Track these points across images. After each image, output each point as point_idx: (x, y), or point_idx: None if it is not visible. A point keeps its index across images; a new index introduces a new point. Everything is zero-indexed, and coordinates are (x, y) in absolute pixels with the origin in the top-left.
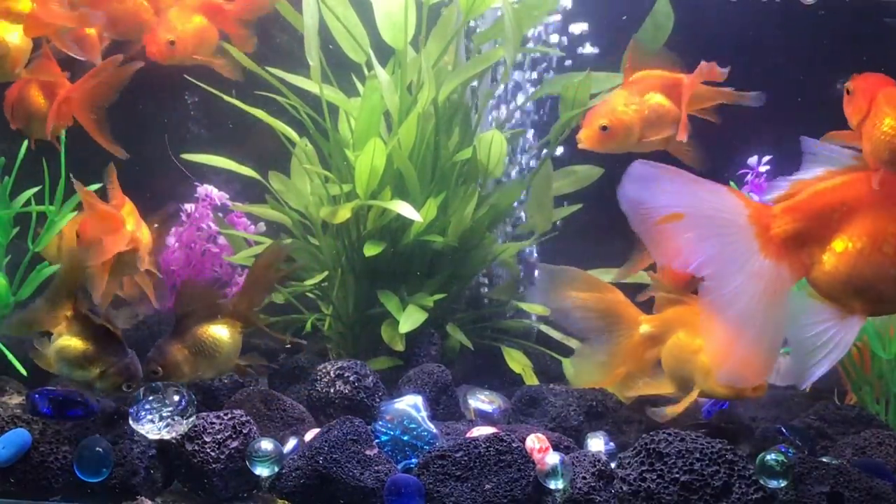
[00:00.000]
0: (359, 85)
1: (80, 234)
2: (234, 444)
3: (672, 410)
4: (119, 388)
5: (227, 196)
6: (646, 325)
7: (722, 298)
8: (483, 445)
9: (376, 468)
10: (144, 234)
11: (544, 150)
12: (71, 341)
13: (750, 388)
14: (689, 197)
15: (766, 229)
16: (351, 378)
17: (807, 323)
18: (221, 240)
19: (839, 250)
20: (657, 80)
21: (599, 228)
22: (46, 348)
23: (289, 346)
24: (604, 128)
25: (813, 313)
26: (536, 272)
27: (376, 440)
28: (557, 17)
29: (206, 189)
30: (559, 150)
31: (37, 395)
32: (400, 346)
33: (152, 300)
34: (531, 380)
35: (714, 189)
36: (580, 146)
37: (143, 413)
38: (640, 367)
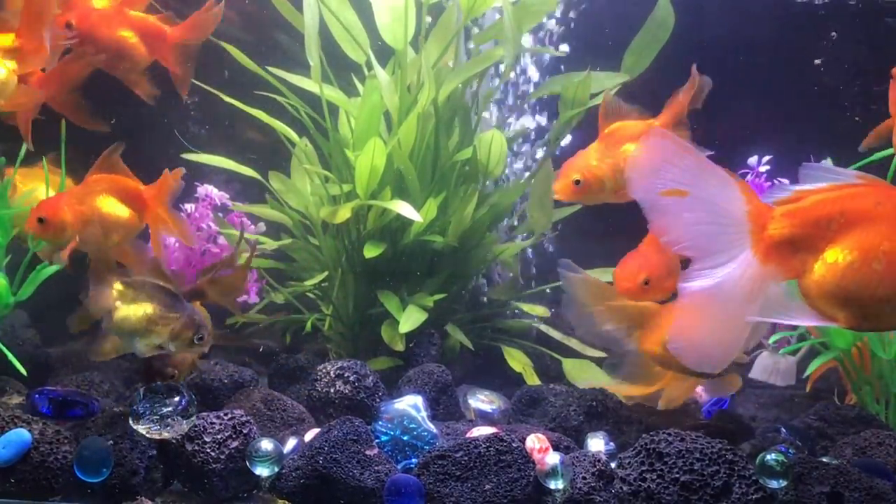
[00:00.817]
0: (359, 85)
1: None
2: (235, 444)
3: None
4: (192, 343)
5: (228, 196)
6: None
7: (702, 283)
8: (483, 445)
9: (376, 468)
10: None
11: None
12: (129, 310)
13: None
14: (697, 178)
15: (763, 228)
16: (351, 378)
17: (789, 320)
18: (221, 240)
19: (830, 261)
20: (631, 131)
21: (599, 228)
22: (102, 339)
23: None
24: (577, 182)
25: (797, 313)
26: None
27: (376, 440)
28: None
29: (206, 189)
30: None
31: (37, 395)
32: (400, 346)
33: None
34: (531, 379)
35: (722, 177)
36: (555, 197)
37: (143, 413)
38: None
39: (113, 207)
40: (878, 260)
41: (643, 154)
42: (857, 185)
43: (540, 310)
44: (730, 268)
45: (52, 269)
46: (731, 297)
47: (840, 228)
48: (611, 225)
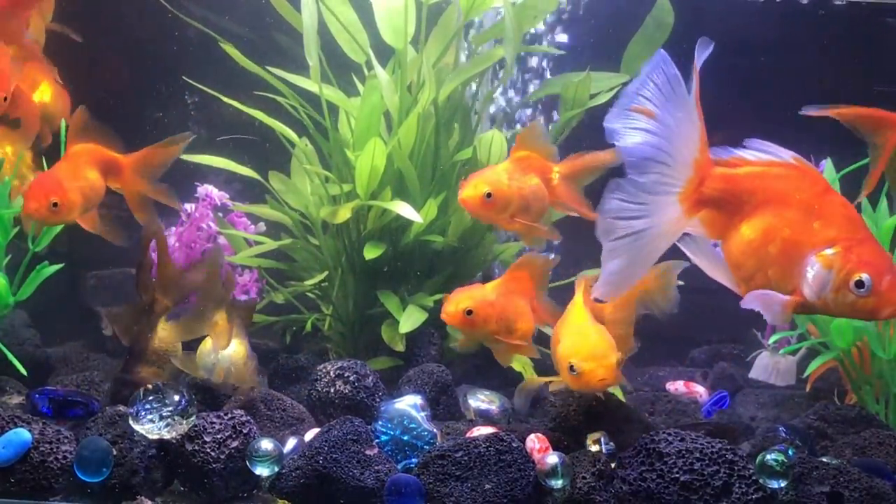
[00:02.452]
0: (359, 85)
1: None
2: (234, 443)
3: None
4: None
5: (228, 196)
6: None
7: (623, 209)
8: (483, 445)
9: (376, 468)
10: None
11: None
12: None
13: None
14: (671, 107)
15: (700, 182)
16: (351, 378)
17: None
18: (221, 240)
19: (738, 233)
20: (537, 164)
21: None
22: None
23: None
24: (488, 195)
25: (716, 267)
26: None
27: (376, 440)
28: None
29: (206, 189)
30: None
31: (37, 395)
32: (400, 346)
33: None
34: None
35: (693, 119)
36: (460, 201)
37: (143, 413)
38: None
39: (96, 177)
40: (775, 244)
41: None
42: (786, 167)
43: None
44: (654, 204)
45: (53, 268)
46: (645, 236)
47: (758, 205)
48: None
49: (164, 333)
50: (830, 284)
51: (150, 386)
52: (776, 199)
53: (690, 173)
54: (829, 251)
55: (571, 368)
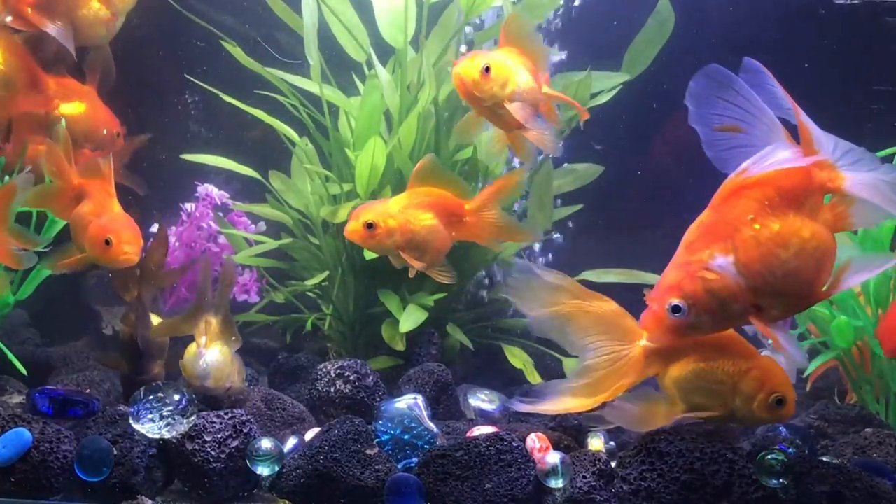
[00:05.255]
0: (359, 84)
1: None
2: (235, 443)
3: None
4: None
5: (228, 195)
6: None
7: None
8: (483, 445)
9: (376, 467)
10: None
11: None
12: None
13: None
14: (754, 119)
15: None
16: (351, 377)
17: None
18: (221, 239)
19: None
20: (435, 199)
21: (599, 227)
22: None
23: None
24: (369, 225)
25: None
26: (512, 272)
27: (377, 439)
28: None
29: (207, 188)
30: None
31: (37, 395)
32: (400, 346)
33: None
34: (532, 376)
35: (775, 125)
36: (345, 233)
37: (143, 412)
38: (633, 380)
39: None
40: (785, 247)
41: (699, 84)
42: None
43: None
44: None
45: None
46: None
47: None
48: (612, 224)
49: (159, 325)
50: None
51: (150, 385)
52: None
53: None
54: None
55: None
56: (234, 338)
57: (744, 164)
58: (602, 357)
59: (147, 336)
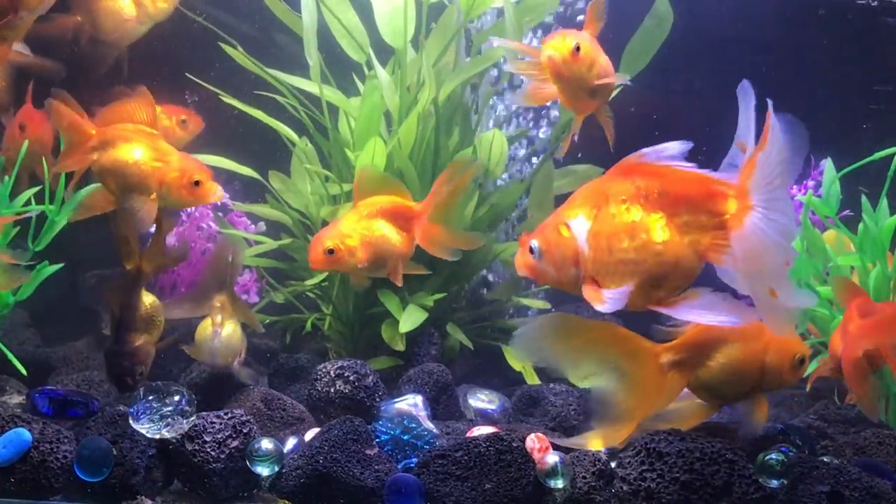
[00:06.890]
0: (359, 84)
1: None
2: (235, 443)
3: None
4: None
5: (228, 195)
6: (667, 354)
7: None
8: (483, 445)
9: (376, 468)
10: None
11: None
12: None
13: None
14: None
15: None
16: (351, 378)
17: None
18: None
19: None
20: (385, 206)
21: None
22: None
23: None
24: (329, 251)
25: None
26: (512, 342)
27: (376, 440)
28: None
29: None
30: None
31: (37, 395)
32: (400, 346)
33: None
34: (531, 378)
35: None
36: (310, 265)
37: (143, 412)
38: (666, 400)
39: None
40: (631, 238)
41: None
42: None
43: (540, 303)
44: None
45: (53, 268)
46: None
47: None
48: None
49: (150, 299)
50: None
51: (150, 385)
52: None
53: None
54: None
55: None
56: (247, 314)
57: (644, 150)
58: (623, 387)
59: (134, 305)
